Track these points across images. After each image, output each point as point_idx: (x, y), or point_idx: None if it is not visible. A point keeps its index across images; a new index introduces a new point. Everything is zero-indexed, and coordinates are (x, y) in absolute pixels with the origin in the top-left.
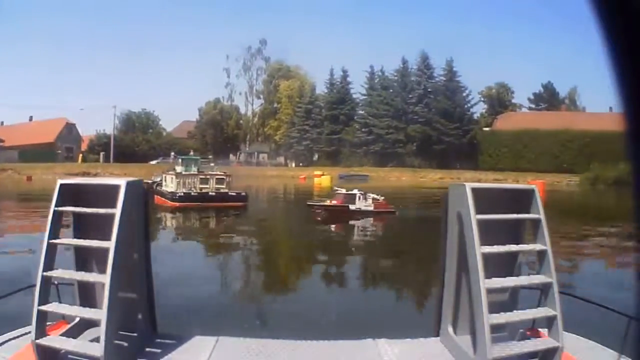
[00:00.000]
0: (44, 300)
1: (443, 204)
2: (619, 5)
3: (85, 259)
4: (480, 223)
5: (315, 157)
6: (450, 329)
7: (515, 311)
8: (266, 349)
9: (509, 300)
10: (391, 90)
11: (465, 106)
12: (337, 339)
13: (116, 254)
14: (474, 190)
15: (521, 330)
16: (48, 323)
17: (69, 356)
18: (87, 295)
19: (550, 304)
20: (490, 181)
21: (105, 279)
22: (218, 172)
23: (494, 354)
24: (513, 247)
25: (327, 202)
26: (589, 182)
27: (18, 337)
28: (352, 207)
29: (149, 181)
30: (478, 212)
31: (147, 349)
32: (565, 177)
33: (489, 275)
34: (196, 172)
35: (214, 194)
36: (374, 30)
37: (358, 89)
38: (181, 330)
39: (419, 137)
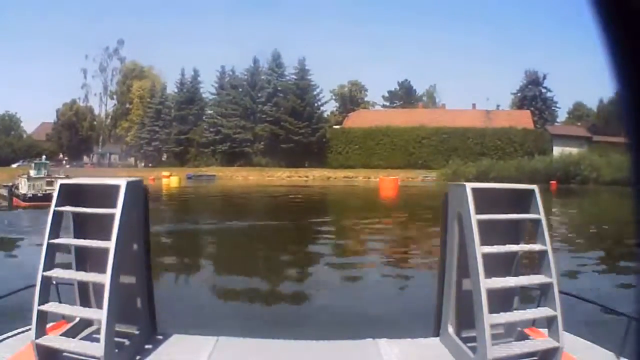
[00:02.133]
0: (44, 300)
1: (443, 204)
2: (620, 5)
3: (85, 259)
4: (480, 223)
5: (164, 157)
6: (450, 329)
7: (515, 311)
8: (266, 349)
9: (509, 300)
10: (240, 90)
11: (316, 105)
12: (337, 339)
13: (116, 254)
14: (474, 190)
15: (519, 329)
16: (48, 323)
17: (69, 356)
18: (87, 295)
19: (550, 304)
20: (341, 178)
21: (105, 279)
22: (62, 175)
23: (494, 354)
24: (513, 247)
25: None
26: (446, 177)
27: (18, 337)
28: None
29: (10, 184)
30: (478, 212)
31: (147, 349)
32: (421, 173)
33: (489, 275)
34: (44, 176)
35: None
36: (231, 30)
37: (209, 89)
38: (181, 330)
39: (267, 136)
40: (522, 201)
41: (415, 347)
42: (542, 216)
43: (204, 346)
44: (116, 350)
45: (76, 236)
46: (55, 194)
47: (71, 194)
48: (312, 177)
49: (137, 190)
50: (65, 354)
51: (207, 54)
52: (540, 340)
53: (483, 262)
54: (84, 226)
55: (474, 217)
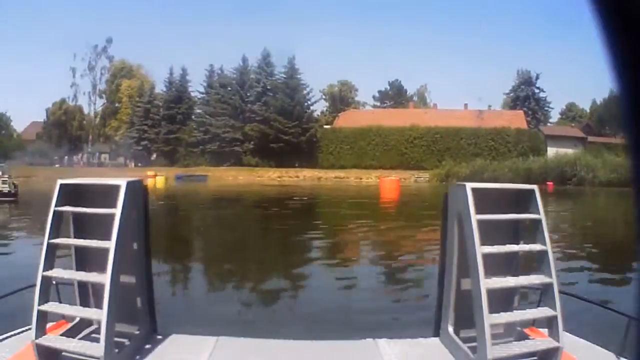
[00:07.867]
0: (44, 300)
1: (443, 204)
2: (620, 4)
3: (85, 259)
4: (480, 223)
5: (154, 157)
6: (450, 329)
7: (515, 311)
8: (266, 349)
9: (509, 300)
10: (229, 89)
11: (306, 104)
12: (337, 339)
13: (116, 254)
14: (474, 190)
15: (519, 329)
16: (48, 323)
17: (69, 356)
18: (87, 295)
19: (550, 304)
20: (332, 178)
21: (105, 279)
22: (4, 176)
23: (494, 354)
24: (513, 247)
25: None
26: (439, 178)
27: (18, 337)
28: None
29: None
30: (478, 212)
31: (147, 349)
32: (413, 174)
33: (489, 275)
34: None
35: None
36: (220, 29)
37: (197, 88)
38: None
39: (256, 136)
40: (522, 201)
41: (415, 347)
42: (542, 216)
43: (204, 346)
44: (116, 350)
45: (76, 236)
46: (55, 193)
47: (71, 194)
48: (302, 177)
49: (137, 190)
50: (65, 354)
51: (196, 53)
52: (540, 340)
53: (483, 262)
54: (83, 226)
55: (474, 217)
